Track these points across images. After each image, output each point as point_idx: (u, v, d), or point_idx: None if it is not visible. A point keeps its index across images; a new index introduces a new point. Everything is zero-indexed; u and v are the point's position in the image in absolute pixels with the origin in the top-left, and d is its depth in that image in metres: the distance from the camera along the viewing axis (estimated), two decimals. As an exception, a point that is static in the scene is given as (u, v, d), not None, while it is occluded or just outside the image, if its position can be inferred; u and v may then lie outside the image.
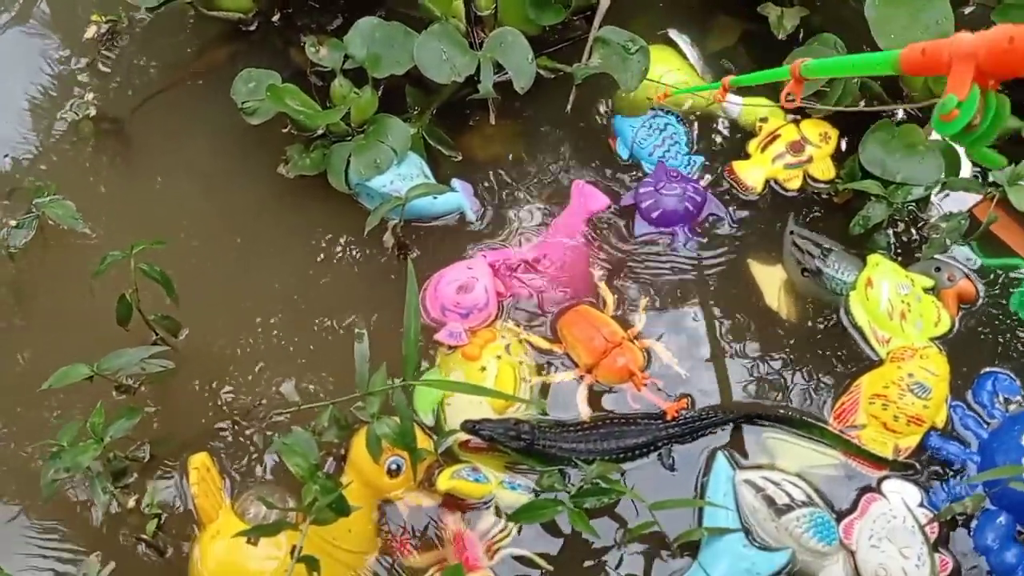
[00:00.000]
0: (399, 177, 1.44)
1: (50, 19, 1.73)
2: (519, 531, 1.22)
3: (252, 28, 1.68)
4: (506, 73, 1.49)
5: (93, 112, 1.60)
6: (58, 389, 1.21)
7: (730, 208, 1.47)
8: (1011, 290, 1.39)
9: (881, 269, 1.35)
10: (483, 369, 1.29)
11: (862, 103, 1.52)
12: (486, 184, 1.52)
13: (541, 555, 1.22)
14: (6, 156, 1.58)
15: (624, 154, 1.52)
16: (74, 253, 1.46)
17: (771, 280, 1.43)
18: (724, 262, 1.44)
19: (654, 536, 1.20)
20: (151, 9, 1.58)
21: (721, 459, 1.26)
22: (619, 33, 1.50)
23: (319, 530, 1.17)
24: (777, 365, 1.35)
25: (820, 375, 1.34)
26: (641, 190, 1.45)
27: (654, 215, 1.44)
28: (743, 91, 1.53)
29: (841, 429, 1.28)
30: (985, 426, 1.28)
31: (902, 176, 1.37)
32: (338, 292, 1.42)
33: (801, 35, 1.57)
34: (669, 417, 1.27)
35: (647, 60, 1.48)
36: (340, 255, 1.46)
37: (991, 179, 1.33)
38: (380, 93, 1.51)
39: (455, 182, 1.48)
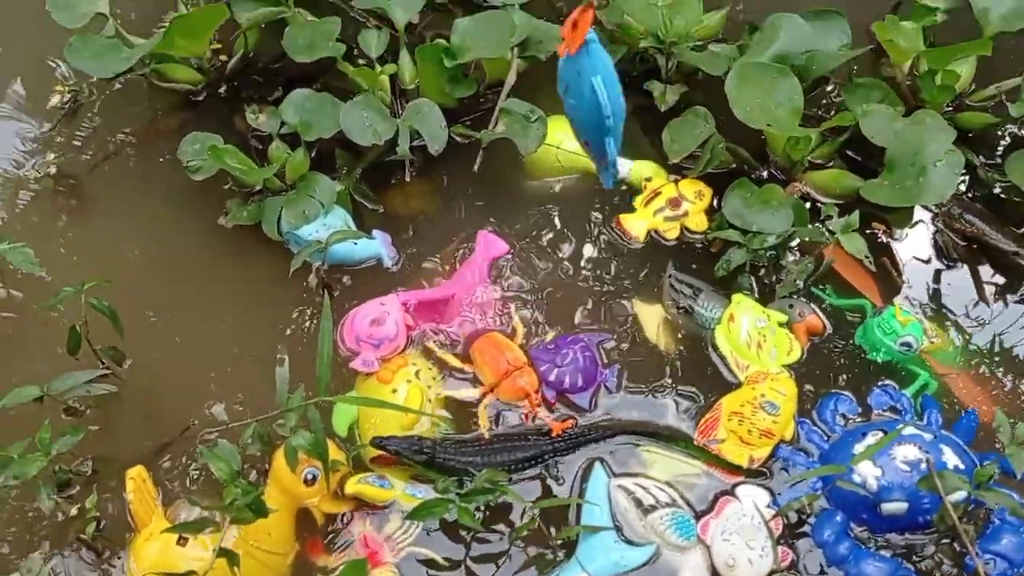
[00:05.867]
0: (325, 227, 1.63)
1: (18, 88, 1.92)
2: (423, 534, 1.39)
3: (200, 98, 1.88)
4: (423, 138, 1.70)
5: (53, 170, 1.77)
6: (11, 408, 1.37)
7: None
8: (854, 328, 1.60)
9: (742, 306, 1.55)
10: (394, 391, 1.47)
11: (733, 165, 1.76)
12: (404, 234, 1.71)
13: (444, 558, 1.39)
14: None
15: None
16: (30, 293, 1.62)
17: (651, 316, 1.63)
18: (611, 301, 1.64)
19: (538, 535, 1.37)
20: (107, 80, 1.78)
21: (598, 468, 1.44)
22: (522, 104, 1.73)
23: (242, 533, 1.33)
24: (652, 388, 1.54)
25: (688, 396, 1.53)
26: (542, 368, 1.51)
27: (574, 383, 1.52)
28: (631, 154, 1.77)
29: (704, 442, 1.46)
30: (827, 439, 1.47)
31: (757, 226, 1.59)
32: (266, 327, 1.60)
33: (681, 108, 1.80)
34: (555, 434, 1.46)
35: (545, 128, 1.70)
36: (270, 295, 1.64)
37: (827, 228, 1.55)
38: (313, 154, 1.71)
39: (375, 232, 1.67)
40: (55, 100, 1.88)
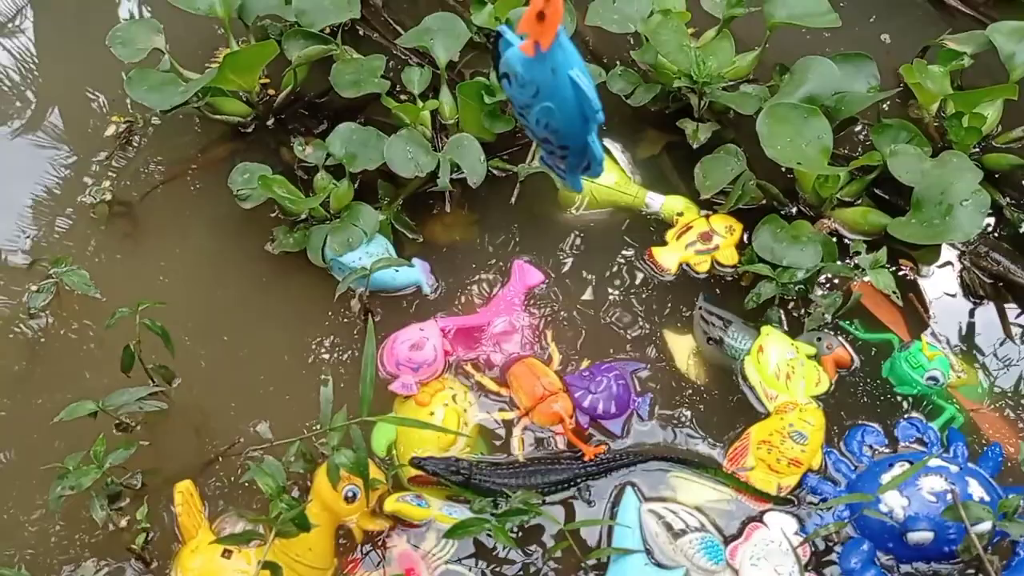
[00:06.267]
0: (367, 255, 1.69)
1: (76, 119, 2.01)
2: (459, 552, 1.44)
3: (249, 130, 1.96)
4: (463, 171, 1.77)
5: (108, 197, 1.85)
6: (68, 423, 1.43)
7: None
8: (881, 361, 1.64)
9: (771, 338, 1.60)
10: (432, 414, 1.52)
11: (763, 201, 1.81)
12: (442, 262, 1.77)
13: (478, 576, 1.43)
14: (28, 236, 1.83)
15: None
16: (86, 313, 1.69)
17: (681, 346, 1.67)
18: (642, 331, 1.69)
19: (570, 556, 1.41)
20: (164, 112, 1.86)
21: (630, 492, 1.48)
22: (559, 140, 1.79)
23: (284, 547, 1.38)
24: (682, 416, 1.58)
25: (718, 425, 1.57)
26: (576, 395, 1.56)
27: (607, 409, 1.57)
28: (663, 189, 1.83)
29: (733, 469, 1.50)
30: (854, 469, 1.50)
31: (787, 261, 1.64)
32: (309, 349, 1.66)
33: (712, 145, 1.86)
34: (588, 458, 1.50)
35: (581, 162, 1.76)
36: (312, 318, 1.70)
37: (855, 263, 1.59)
38: (356, 185, 1.78)
39: (415, 260, 1.74)
40: (111, 130, 1.96)
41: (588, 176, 1.19)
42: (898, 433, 1.55)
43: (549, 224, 1.83)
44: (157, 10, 2.12)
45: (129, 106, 1.98)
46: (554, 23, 0.93)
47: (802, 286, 1.66)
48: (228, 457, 1.54)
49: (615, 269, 1.77)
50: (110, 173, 1.91)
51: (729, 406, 1.59)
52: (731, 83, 1.89)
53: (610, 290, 1.74)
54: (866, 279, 1.61)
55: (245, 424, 1.57)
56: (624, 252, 1.79)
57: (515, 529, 1.43)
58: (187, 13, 1.89)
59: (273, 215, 1.81)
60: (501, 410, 1.58)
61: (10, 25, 2.19)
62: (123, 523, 1.45)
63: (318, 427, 1.38)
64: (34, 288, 1.66)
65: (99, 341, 1.62)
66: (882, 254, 1.58)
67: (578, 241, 1.81)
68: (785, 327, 1.66)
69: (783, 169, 1.73)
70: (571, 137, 1.08)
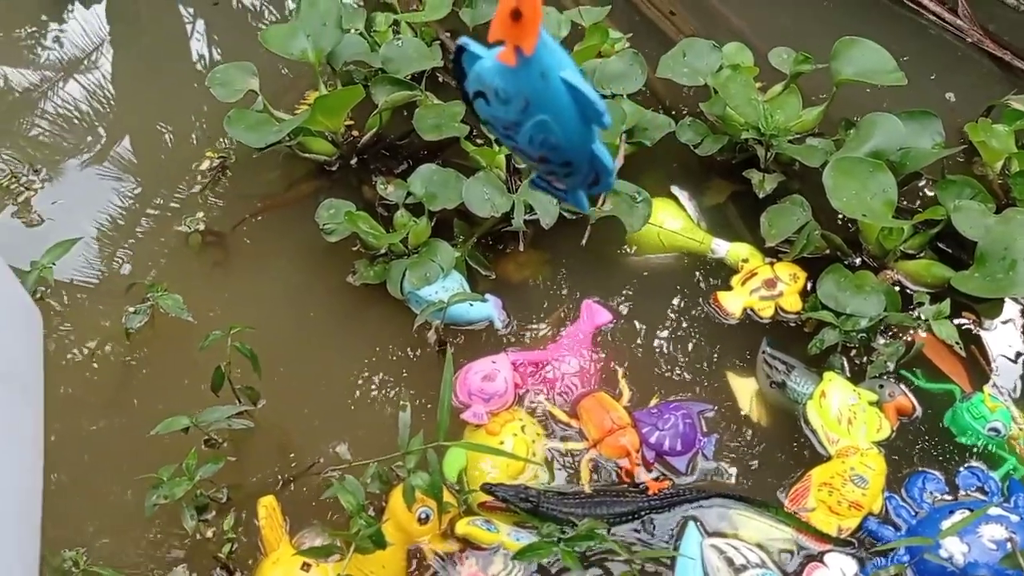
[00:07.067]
0: (443, 289, 1.78)
1: (172, 153, 2.15)
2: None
3: (334, 168, 2.07)
4: (535, 213, 1.85)
5: (202, 227, 1.97)
6: (157, 437, 1.52)
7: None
8: (944, 409, 1.67)
9: (834, 384, 1.64)
10: (501, 443, 1.59)
11: (827, 251, 1.86)
12: (514, 299, 1.85)
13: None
14: (127, 261, 1.95)
15: None
16: (178, 335, 1.80)
17: (744, 389, 1.72)
18: (706, 372, 1.74)
19: (634, 587, 1.45)
20: (260, 150, 1.98)
21: (692, 527, 1.52)
22: (629, 186, 1.87)
23: (359, 563, 1.45)
24: (745, 456, 1.63)
25: (780, 466, 1.61)
26: (643, 430, 1.62)
27: (673, 447, 1.62)
28: (728, 236, 1.89)
29: (794, 509, 1.54)
30: (914, 515, 1.53)
31: (851, 309, 1.68)
32: (388, 376, 1.74)
33: (778, 195, 1.92)
34: (652, 492, 1.55)
35: (650, 208, 1.84)
36: (392, 347, 1.78)
37: (918, 314, 1.64)
38: (432, 222, 1.88)
39: (488, 296, 1.82)
40: (205, 164, 2.09)
41: (598, 191, 0.99)
42: (959, 481, 1.58)
43: (617, 266, 1.90)
44: (234, 53, 2.25)
45: (225, 142, 2.11)
46: (535, 21, 0.77)
47: (865, 334, 1.71)
48: (307, 476, 1.61)
49: (680, 311, 1.83)
50: (203, 204, 2.03)
51: (791, 448, 1.64)
52: (797, 136, 1.96)
53: (675, 332, 1.80)
54: (929, 330, 1.65)
55: (325, 445, 1.65)
56: (689, 296, 1.85)
57: (582, 555, 1.47)
58: (260, 57, 2.03)
59: (354, 249, 1.91)
60: (566, 439, 1.64)
61: (108, 67, 2.36)
62: (209, 533, 1.54)
63: (394, 450, 1.45)
64: (131, 310, 1.77)
65: (190, 362, 1.72)
66: (945, 305, 1.62)
67: (645, 283, 1.87)
68: (847, 374, 1.70)
69: (846, 220, 1.79)
70: (574, 150, 0.90)
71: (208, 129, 2.16)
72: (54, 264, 1.79)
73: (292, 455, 1.64)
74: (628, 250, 1.92)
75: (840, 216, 1.88)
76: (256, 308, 1.86)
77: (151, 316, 1.78)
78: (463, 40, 0.86)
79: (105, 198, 2.06)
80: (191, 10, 2.52)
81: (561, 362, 1.72)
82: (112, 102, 2.28)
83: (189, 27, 2.49)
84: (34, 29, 2.45)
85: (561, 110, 0.84)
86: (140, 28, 2.51)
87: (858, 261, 1.86)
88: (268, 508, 1.51)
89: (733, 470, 1.61)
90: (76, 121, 2.22)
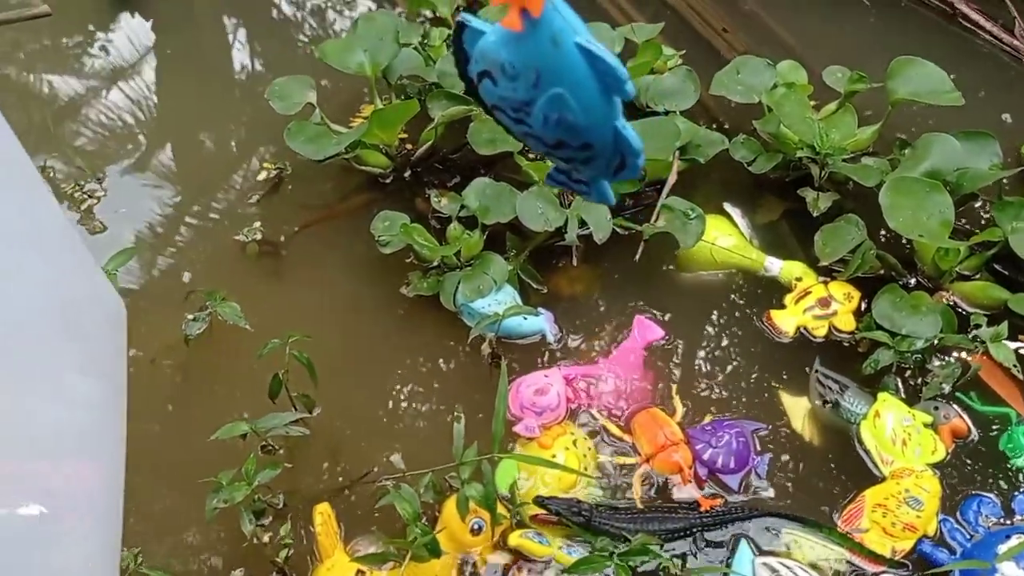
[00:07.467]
0: (496, 302, 1.80)
1: (233, 162, 2.19)
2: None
3: (388, 181, 2.10)
4: (588, 227, 1.86)
5: (259, 236, 2.00)
6: (218, 442, 1.55)
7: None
8: (1000, 432, 1.65)
9: (888, 404, 1.63)
10: (553, 456, 1.60)
11: (881, 271, 1.86)
12: (566, 313, 1.86)
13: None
14: (186, 270, 1.99)
15: None
16: (235, 342, 1.83)
17: (797, 408, 1.72)
18: (759, 391, 1.74)
19: (686, 603, 1.46)
20: (318, 162, 2.02)
21: (744, 545, 1.52)
22: (682, 202, 1.88)
23: (411, 571, 1.47)
24: (798, 475, 1.63)
25: (833, 486, 1.61)
26: (697, 447, 1.63)
27: (726, 464, 1.62)
28: (781, 254, 1.90)
29: (848, 530, 1.53)
30: (970, 538, 1.52)
31: (906, 330, 1.68)
32: (442, 387, 1.76)
33: (832, 214, 1.92)
34: (704, 509, 1.55)
35: (703, 225, 1.85)
36: (442, 359, 1.81)
37: (974, 335, 1.62)
38: (485, 236, 1.90)
39: (540, 310, 1.83)
40: (263, 175, 2.13)
41: (624, 178, 0.83)
42: (1015, 506, 1.56)
43: (670, 282, 1.90)
44: (287, 66, 2.27)
45: (282, 154, 2.15)
46: None
47: (920, 355, 1.70)
48: (361, 484, 1.63)
49: (733, 329, 1.83)
50: (260, 215, 2.06)
51: (844, 468, 1.63)
52: (852, 155, 1.95)
53: (727, 349, 1.80)
54: (985, 353, 1.63)
55: (379, 454, 1.67)
56: (742, 314, 1.85)
57: (634, 570, 1.48)
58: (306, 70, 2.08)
59: (408, 260, 1.93)
60: (619, 453, 1.65)
61: (159, 77, 2.41)
62: (265, 538, 1.56)
63: (445, 461, 1.47)
64: (191, 317, 1.81)
65: (246, 369, 1.76)
66: (1003, 328, 1.61)
67: (697, 300, 1.88)
68: (901, 394, 1.69)
69: (902, 240, 1.78)
70: (594, 128, 0.79)
71: (264, 140, 2.20)
72: (117, 272, 1.84)
73: (346, 463, 1.67)
74: (680, 267, 1.92)
75: (886, 234, 1.87)
76: (310, 317, 1.89)
77: (210, 323, 1.81)
78: (463, 16, 0.77)
79: (164, 207, 2.10)
80: (235, 21, 2.57)
81: (614, 377, 1.73)
82: (169, 113, 2.33)
83: (236, 40, 2.54)
84: (80, 39, 2.51)
85: (577, 81, 0.74)
86: (193, 39, 2.56)
87: (913, 281, 1.85)
88: (324, 515, 1.54)
89: (785, 489, 1.61)
90: (135, 132, 2.27)
